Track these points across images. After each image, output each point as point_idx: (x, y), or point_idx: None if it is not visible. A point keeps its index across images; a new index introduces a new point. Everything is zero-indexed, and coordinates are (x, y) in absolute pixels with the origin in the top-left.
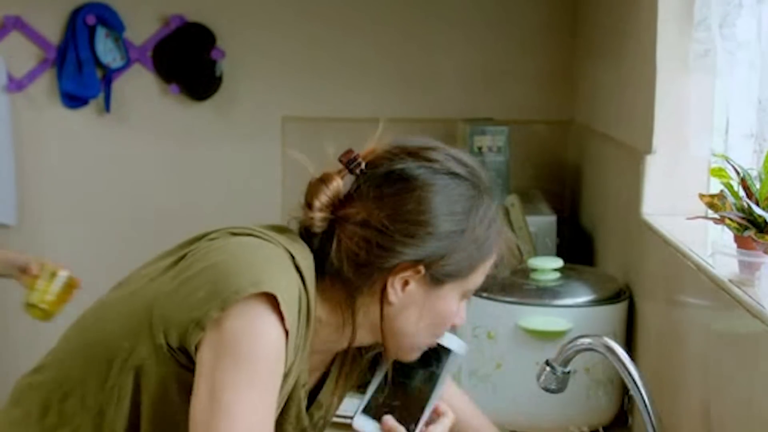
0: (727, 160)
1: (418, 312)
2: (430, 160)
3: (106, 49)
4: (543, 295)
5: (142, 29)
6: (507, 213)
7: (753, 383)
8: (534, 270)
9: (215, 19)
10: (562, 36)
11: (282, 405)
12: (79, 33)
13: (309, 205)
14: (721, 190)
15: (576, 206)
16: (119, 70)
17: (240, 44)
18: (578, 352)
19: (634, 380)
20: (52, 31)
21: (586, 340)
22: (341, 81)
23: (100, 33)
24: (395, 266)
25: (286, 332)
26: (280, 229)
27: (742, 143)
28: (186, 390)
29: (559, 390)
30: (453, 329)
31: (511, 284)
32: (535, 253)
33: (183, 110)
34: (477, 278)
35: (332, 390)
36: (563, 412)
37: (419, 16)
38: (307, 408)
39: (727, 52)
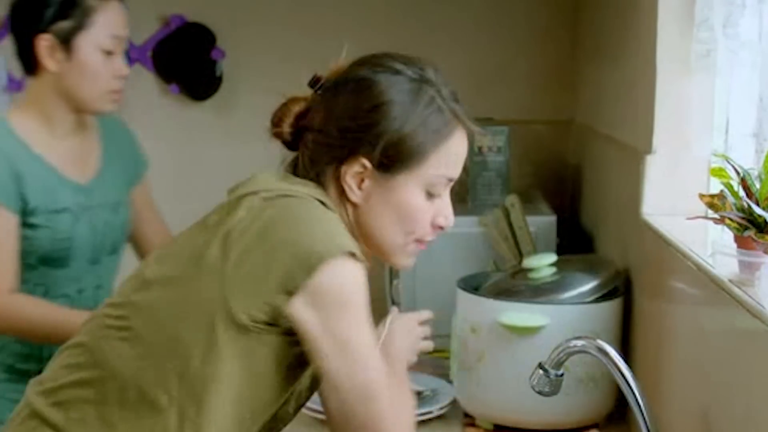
0: (728, 160)
1: (381, 208)
2: (374, 64)
3: None
4: (539, 293)
5: (142, 29)
6: (507, 213)
7: (752, 383)
8: (530, 270)
9: (215, 19)
10: (562, 36)
11: None
12: None
13: (277, 124)
14: (721, 190)
15: (576, 206)
16: None
17: (240, 44)
18: (570, 354)
19: (627, 382)
20: None
21: (579, 342)
22: None
23: None
24: (341, 162)
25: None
26: (285, 177)
27: (743, 143)
28: (292, 357)
29: (553, 393)
30: (441, 230)
31: (506, 283)
32: (535, 254)
33: (183, 110)
34: (435, 168)
35: None
36: (564, 410)
37: (418, 17)
38: None
39: (730, 51)
